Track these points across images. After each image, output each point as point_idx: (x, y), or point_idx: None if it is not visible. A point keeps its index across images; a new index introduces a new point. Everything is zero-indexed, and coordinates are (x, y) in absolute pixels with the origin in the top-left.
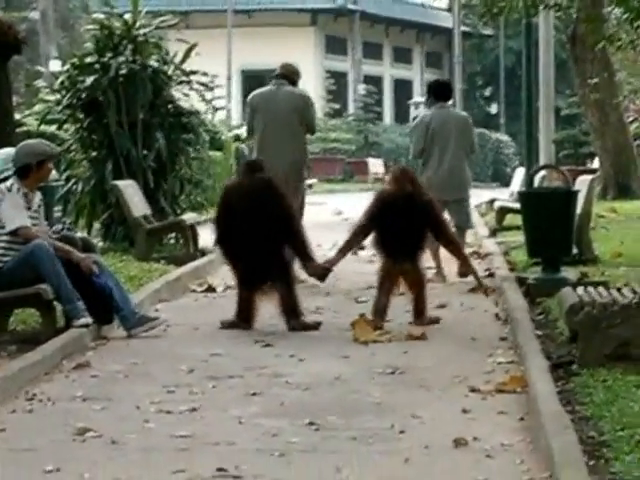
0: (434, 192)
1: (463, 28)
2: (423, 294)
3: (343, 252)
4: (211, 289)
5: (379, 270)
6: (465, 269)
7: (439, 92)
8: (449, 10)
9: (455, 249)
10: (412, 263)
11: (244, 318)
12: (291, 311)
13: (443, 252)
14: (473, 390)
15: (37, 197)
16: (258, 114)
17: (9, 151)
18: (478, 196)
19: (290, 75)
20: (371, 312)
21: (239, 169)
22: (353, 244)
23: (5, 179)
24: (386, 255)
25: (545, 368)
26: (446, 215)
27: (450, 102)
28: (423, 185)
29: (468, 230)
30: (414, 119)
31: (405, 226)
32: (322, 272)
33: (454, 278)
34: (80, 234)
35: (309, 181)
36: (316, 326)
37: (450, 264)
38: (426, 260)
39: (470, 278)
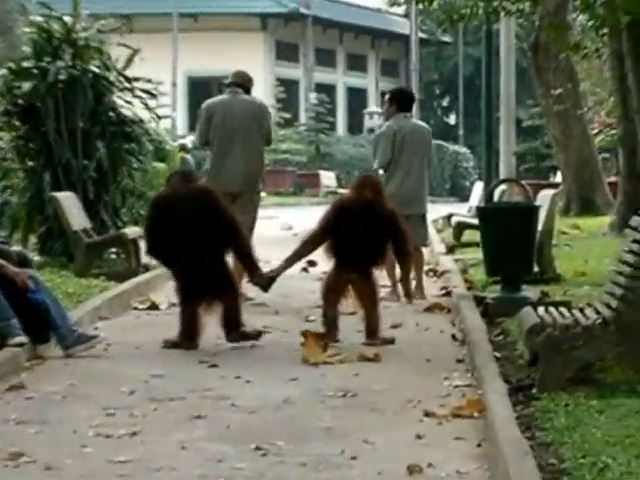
0: (396, 206)
1: (420, 35)
2: (376, 311)
3: (290, 261)
4: (154, 307)
5: (325, 279)
6: (404, 284)
7: (403, 101)
8: (406, 16)
9: (406, 261)
10: (363, 275)
11: (188, 336)
12: (232, 323)
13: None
14: (428, 414)
15: None
16: (213, 124)
17: None
18: (435, 211)
19: (244, 83)
20: (323, 326)
21: (170, 179)
22: (302, 254)
23: None
24: (336, 263)
25: (504, 392)
26: None
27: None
28: (387, 195)
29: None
30: (369, 130)
31: (361, 235)
32: (266, 281)
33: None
34: (15, 248)
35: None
36: (256, 335)
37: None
38: (381, 278)
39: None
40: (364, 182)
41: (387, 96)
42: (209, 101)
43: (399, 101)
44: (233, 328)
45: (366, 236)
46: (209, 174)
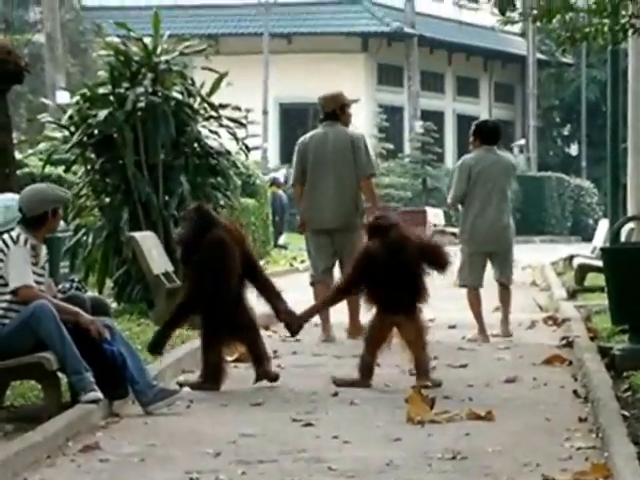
0: (475, 243)
1: (539, 56)
2: (425, 351)
3: (320, 308)
4: (242, 358)
5: (369, 325)
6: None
7: (488, 135)
8: (522, 35)
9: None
10: (408, 315)
11: (217, 380)
12: (261, 359)
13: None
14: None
15: (44, 250)
16: (307, 160)
17: (12, 197)
18: (554, 251)
19: (334, 109)
20: (358, 370)
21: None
22: (334, 301)
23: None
24: (378, 309)
25: (633, 455)
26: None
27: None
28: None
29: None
30: None
31: (397, 274)
32: (296, 324)
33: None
34: (91, 293)
35: None
36: (275, 377)
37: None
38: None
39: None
40: (383, 223)
41: (472, 129)
42: (303, 137)
43: (482, 134)
44: (261, 364)
45: (402, 275)
46: (302, 211)
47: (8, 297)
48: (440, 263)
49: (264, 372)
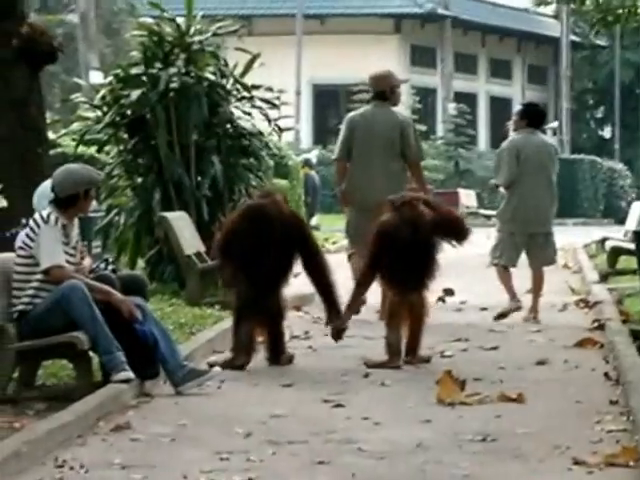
0: (518, 223)
1: (572, 37)
2: (421, 330)
3: (353, 308)
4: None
5: (388, 306)
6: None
7: (534, 118)
8: (556, 17)
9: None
10: (421, 292)
11: (245, 353)
12: (277, 345)
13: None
14: (577, 462)
15: (75, 230)
16: (354, 138)
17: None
18: (587, 234)
19: (384, 89)
20: (386, 352)
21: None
22: (366, 283)
23: None
24: (395, 288)
25: None
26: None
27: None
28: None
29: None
30: None
31: (412, 254)
32: (340, 329)
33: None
34: (127, 271)
35: None
36: (290, 359)
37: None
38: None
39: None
40: (401, 201)
41: (518, 108)
42: (352, 113)
43: (530, 117)
44: (276, 352)
45: (416, 255)
46: (346, 189)
47: (39, 277)
48: (457, 234)
49: (273, 360)
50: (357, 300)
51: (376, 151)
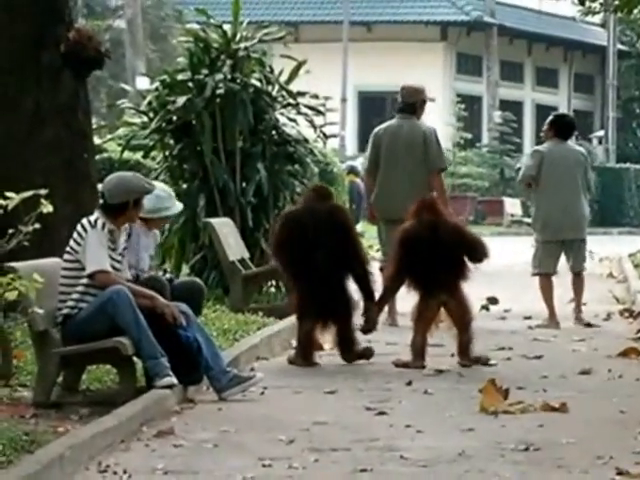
0: (549, 232)
1: (619, 46)
2: (468, 331)
3: (387, 297)
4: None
5: (414, 308)
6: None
7: (561, 129)
8: (603, 26)
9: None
10: (452, 294)
11: (305, 354)
12: (345, 343)
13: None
14: (621, 473)
15: (123, 237)
16: (380, 151)
17: (163, 188)
18: (632, 243)
19: (415, 101)
20: (410, 353)
21: (305, 195)
22: (394, 288)
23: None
24: (421, 292)
25: None
26: (562, 257)
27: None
28: (450, 214)
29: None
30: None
31: (434, 257)
32: (369, 326)
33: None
34: (187, 278)
35: None
36: (369, 353)
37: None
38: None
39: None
40: (421, 205)
41: (548, 119)
42: (378, 127)
43: (558, 128)
44: (346, 349)
45: (439, 257)
46: (373, 202)
47: (85, 281)
48: (474, 255)
49: (349, 357)
50: (385, 302)
51: (402, 163)
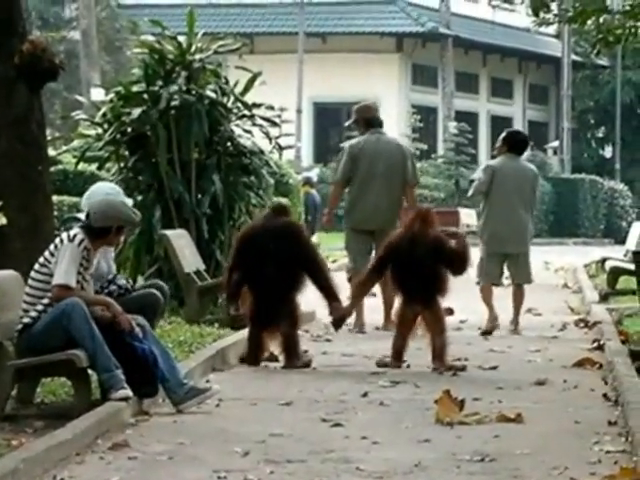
0: (494, 244)
1: (573, 57)
2: (441, 338)
3: (358, 292)
4: (273, 358)
5: (396, 311)
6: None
7: (514, 145)
8: (557, 37)
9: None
10: (427, 306)
11: (252, 356)
12: (290, 350)
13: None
14: None
15: (97, 259)
16: (358, 165)
17: (111, 187)
18: (587, 254)
19: (374, 115)
20: (391, 354)
21: (263, 213)
22: (368, 282)
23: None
24: (402, 298)
25: None
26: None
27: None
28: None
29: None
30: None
31: (413, 268)
32: (340, 318)
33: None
34: (156, 281)
35: None
36: (308, 364)
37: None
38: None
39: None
40: (415, 215)
41: (502, 135)
42: (354, 141)
43: (511, 144)
44: (288, 356)
45: (418, 268)
46: (345, 210)
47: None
48: (455, 267)
49: (290, 365)
50: (358, 296)
51: (380, 178)
